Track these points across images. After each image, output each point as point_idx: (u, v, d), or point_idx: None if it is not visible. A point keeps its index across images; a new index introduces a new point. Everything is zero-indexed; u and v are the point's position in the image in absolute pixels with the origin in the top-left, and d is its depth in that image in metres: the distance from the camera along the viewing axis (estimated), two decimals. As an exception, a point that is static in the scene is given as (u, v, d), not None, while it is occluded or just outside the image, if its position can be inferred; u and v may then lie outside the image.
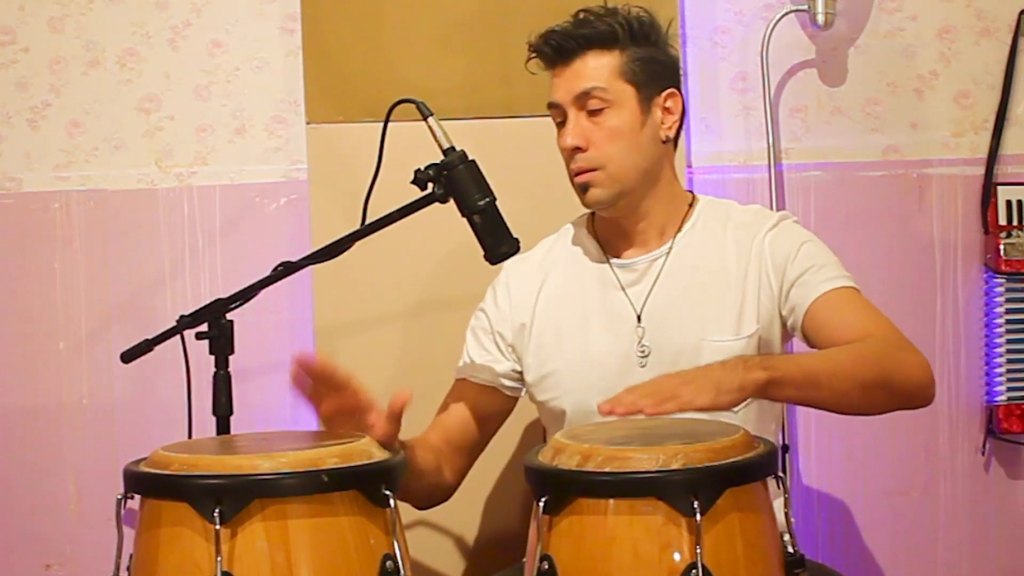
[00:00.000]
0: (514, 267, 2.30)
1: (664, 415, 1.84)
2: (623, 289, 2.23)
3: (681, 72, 2.31)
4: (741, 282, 2.19)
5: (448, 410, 2.29)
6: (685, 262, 2.22)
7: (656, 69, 2.22)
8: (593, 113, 2.18)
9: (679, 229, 2.25)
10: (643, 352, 2.19)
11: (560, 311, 2.26)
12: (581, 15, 2.22)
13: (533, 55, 2.23)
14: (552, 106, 2.22)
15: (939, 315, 2.82)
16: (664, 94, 2.22)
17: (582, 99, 2.18)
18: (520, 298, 2.29)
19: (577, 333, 2.23)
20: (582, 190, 2.20)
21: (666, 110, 2.22)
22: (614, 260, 2.26)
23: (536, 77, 2.25)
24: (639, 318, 2.20)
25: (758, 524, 1.76)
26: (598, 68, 2.18)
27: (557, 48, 2.19)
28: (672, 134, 2.24)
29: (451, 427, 2.27)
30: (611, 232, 2.27)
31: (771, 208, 2.74)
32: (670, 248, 2.24)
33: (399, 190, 2.14)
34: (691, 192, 2.32)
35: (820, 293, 2.15)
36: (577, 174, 2.19)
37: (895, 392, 2.05)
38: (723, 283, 2.20)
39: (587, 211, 2.32)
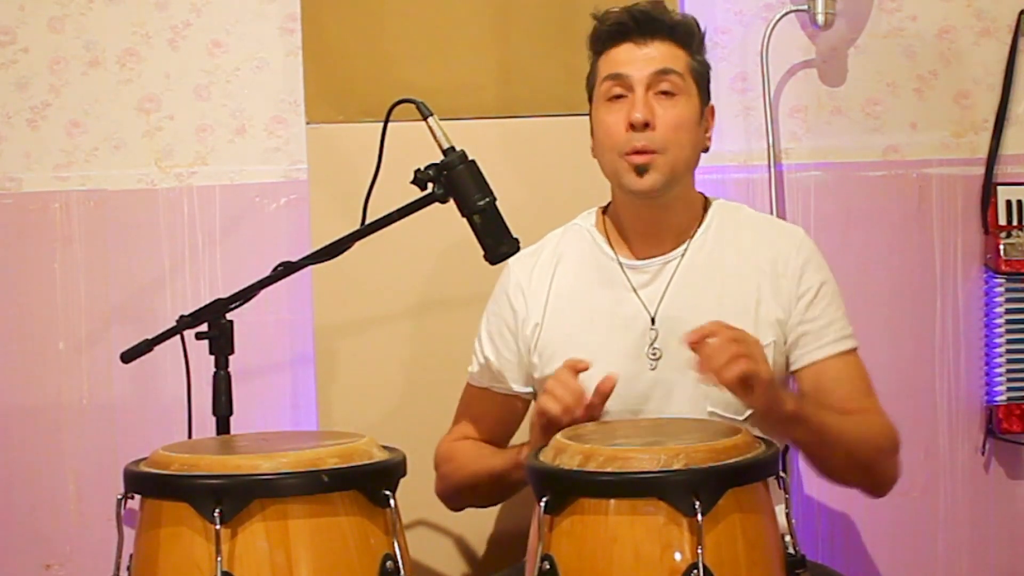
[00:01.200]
0: (521, 265, 2.27)
1: (724, 358, 1.88)
2: (635, 291, 2.21)
3: None
4: (755, 291, 2.18)
5: (478, 419, 2.30)
6: (699, 265, 2.21)
7: (708, 79, 2.23)
8: (663, 96, 2.15)
9: (693, 232, 2.23)
10: (655, 355, 2.17)
11: (568, 310, 2.24)
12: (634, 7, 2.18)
13: (611, 25, 2.17)
14: (616, 77, 2.16)
15: (939, 315, 2.81)
16: (710, 105, 2.24)
17: (659, 77, 2.14)
18: (533, 297, 2.26)
19: (584, 333, 2.21)
20: (638, 171, 2.14)
21: (707, 121, 2.23)
22: (624, 260, 2.23)
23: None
24: (653, 320, 2.19)
25: (759, 524, 1.76)
26: (677, 57, 2.16)
27: (641, 23, 2.16)
28: (710, 145, 2.24)
29: (492, 435, 2.30)
30: (626, 231, 2.25)
31: (771, 210, 2.73)
32: (684, 251, 2.22)
33: (399, 190, 2.14)
34: (703, 194, 2.30)
35: (822, 357, 2.16)
36: (636, 152, 2.13)
37: (871, 480, 2.17)
38: (736, 288, 2.18)
39: (594, 208, 2.31)
